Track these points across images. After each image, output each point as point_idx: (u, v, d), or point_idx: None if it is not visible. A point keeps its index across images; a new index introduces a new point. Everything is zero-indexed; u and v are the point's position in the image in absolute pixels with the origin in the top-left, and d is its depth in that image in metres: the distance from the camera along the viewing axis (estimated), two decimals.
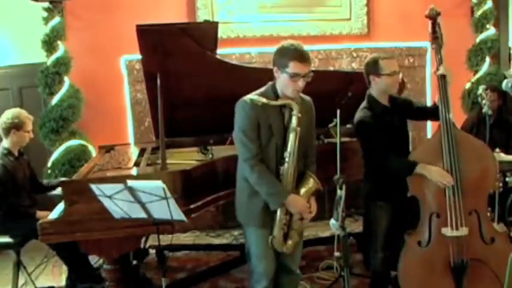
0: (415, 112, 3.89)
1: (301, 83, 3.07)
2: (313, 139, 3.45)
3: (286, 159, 3.15)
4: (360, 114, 3.79)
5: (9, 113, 4.47)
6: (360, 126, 3.77)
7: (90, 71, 5.84)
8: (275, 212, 3.20)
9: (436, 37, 3.69)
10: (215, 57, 4.08)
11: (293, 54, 3.05)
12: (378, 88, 3.76)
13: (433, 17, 3.71)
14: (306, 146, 3.33)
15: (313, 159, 3.41)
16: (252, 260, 3.38)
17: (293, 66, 3.04)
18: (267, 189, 3.16)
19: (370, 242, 4.09)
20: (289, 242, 3.26)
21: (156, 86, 3.85)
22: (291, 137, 3.14)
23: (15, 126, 4.41)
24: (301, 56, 3.06)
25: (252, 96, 3.12)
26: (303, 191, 3.22)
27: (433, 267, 3.61)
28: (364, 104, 3.84)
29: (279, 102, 3.13)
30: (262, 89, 3.22)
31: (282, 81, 3.12)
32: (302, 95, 3.29)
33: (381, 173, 3.77)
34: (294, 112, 3.11)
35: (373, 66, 3.74)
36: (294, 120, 3.12)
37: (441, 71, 3.62)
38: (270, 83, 3.22)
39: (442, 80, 3.62)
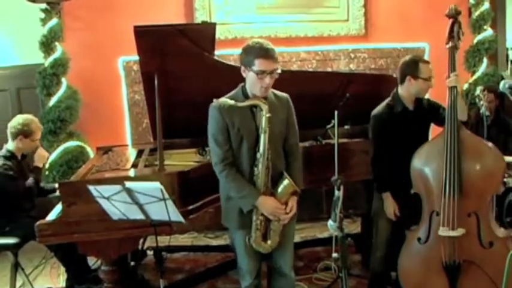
0: (438, 117, 3.84)
1: (268, 80, 3.06)
2: (294, 137, 3.39)
3: (259, 160, 3.14)
4: (378, 108, 3.85)
5: (21, 119, 4.46)
6: (372, 120, 3.84)
7: (87, 72, 5.83)
8: (252, 212, 3.20)
9: (452, 36, 3.67)
10: (213, 58, 4.07)
11: (258, 51, 3.04)
12: (410, 90, 3.79)
13: (453, 16, 3.69)
14: (286, 144, 3.32)
15: (295, 157, 3.37)
16: (238, 259, 3.41)
17: (259, 64, 3.03)
18: (236, 192, 3.18)
19: (368, 243, 4.11)
20: (269, 242, 3.25)
21: (154, 87, 3.85)
22: (262, 137, 3.11)
23: (24, 133, 4.41)
24: (267, 53, 3.05)
25: (220, 99, 3.13)
26: (278, 191, 3.19)
27: (429, 265, 3.62)
28: (388, 99, 3.88)
29: (246, 103, 3.12)
30: (232, 92, 3.23)
31: (250, 80, 3.12)
32: (277, 92, 3.29)
33: (387, 167, 3.82)
34: (263, 112, 3.09)
35: (413, 68, 3.75)
36: (264, 121, 3.10)
37: (452, 83, 3.60)
38: (241, 84, 3.22)
39: (452, 90, 3.60)
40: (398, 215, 3.74)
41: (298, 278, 4.51)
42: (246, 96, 3.18)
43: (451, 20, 3.67)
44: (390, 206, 3.79)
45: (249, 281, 3.38)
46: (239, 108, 3.11)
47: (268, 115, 3.10)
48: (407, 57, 3.85)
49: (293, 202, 3.22)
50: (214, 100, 3.15)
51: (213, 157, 3.22)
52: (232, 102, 3.09)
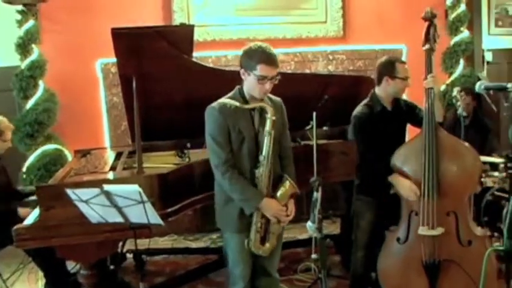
0: (415, 118, 3.91)
1: (268, 86, 3.08)
2: (287, 140, 3.44)
3: (262, 163, 3.15)
4: (358, 109, 3.89)
5: None
6: (354, 121, 3.86)
7: (65, 74, 5.78)
8: (252, 215, 3.20)
9: (428, 39, 3.71)
10: (191, 60, 4.07)
11: (260, 56, 3.05)
12: (388, 90, 3.83)
13: (429, 18, 3.73)
14: (280, 147, 3.34)
15: (290, 160, 3.41)
16: (230, 264, 3.40)
17: (261, 69, 3.04)
18: (239, 195, 3.17)
19: (348, 244, 4.13)
20: (267, 245, 3.27)
21: (132, 89, 3.83)
22: (266, 140, 3.13)
23: None
24: (269, 59, 3.06)
25: (223, 100, 3.13)
26: (279, 194, 3.22)
27: (409, 264, 3.66)
28: (366, 100, 3.91)
29: (251, 105, 3.14)
30: (230, 94, 3.22)
31: (249, 83, 3.13)
32: (272, 96, 3.31)
33: (368, 169, 3.84)
34: (269, 115, 3.11)
35: (390, 68, 3.80)
36: (269, 123, 3.12)
37: (429, 84, 3.64)
38: (238, 86, 3.22)
39: (429, 91, 3.65)
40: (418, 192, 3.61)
41: (279, 279, 4.52)
42: (244, 98, 3.18)
43: (427, 23, 3.72)
44: (405, 185, 3.65)
45: (242, 285, 3.37)
46: (240, 110, 3.12)
47: (273, 118, 3.12)
48: (383, 58, 3.89)
49: (292, 205, 3.26)
50: (220, 100, 3.14)
51: (214, 159, 3.20)
52: (237, 103, 3.09)
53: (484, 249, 3.43)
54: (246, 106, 3.12)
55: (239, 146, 3.19)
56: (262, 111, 3.18)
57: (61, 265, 4.50)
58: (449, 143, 3.65)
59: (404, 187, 3.62)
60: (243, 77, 3.15)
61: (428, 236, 3.57)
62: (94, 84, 5.99)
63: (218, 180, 3.26)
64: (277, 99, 3.35)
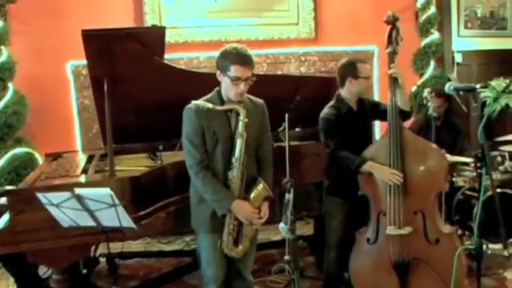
0: (380, 113, 3.95)
1: (243, 87, 3.09)
2: (267, 143, 3.44)
3: (234, 165, 3.15)
4: (324, 111, 3.91)
5: None
6: (321, 122, 3.89)
7: (35, 76, 5.71)
8: (225, 217, 3.20)
9: (391, 42, 3.77)
10: (163, 62, 4.06)
11: (235, 57, 3.06)
12: (352, 90, 3.87)
13: (391, 22, 3.78)
14: (259, 149, 3.35)
15: (268, 163, 3.41)
16: (202, 265, 3.40)
17: (235, 70, 3.05)
18: (211, 195, 3.17)
19: (322, 245, 4.15)
20: (240, 247, 3.27)
21: (103, 91, 3.80)
22: (238, 142, 3.14)
23: None
24: (243, 60, 3.07)
25: (197, 102, 3.13)
26: (252, 196, 3.22)
27: (379, 264, 3.70)
28: (331, 102, 3.94)
29: (225, 107, 3.15)
30: (208, 95, 3.23)
31: (225, 85, 3.14)
32: (253, 98, 3.32)
33: (338, 170, 3.85)
34: (241, 117, 3.12)
35: (352, 69, 3.83)
36: (241, 125, 3.12)
37: (392, 70, 3.70)
38: (217, 88, 3.23)
39: (393, 81, 3.69)
40: (400, 175, 3.62)
41: (253, 281, 4.52)
42: (221, 100, 3.19)
43: (389, 26, 3.77)
44: (385, 169, 3.66)
45: (214, 287, 3.36)
46: (216, 112, 3.13)
47: (245, 120, 3.12)
48: (343, 60, 3.95)
49: (266, 207, 3.26)
50: (193, 102, 3.13)
51: (189, 159, 3.21)
52: (210, 105, 3.10)
53: (452, 247, 3.49)
54: (219, 108, 3.12)
55: (213, 148, 3.19)
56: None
57: (33, 270, 4.44)
58: (415, 144, 3.71)
59: (384, 171, 3.64)
60: (219, 78, 3.16)
61: (397, 236, 3.61)
62: (65, 86, 5.93)
63: (192, 180, 3.26)
64: (259, 101, 3.36)
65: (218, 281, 3.35)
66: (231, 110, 3.17)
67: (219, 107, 3.12)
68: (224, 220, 3.22)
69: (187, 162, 3.22)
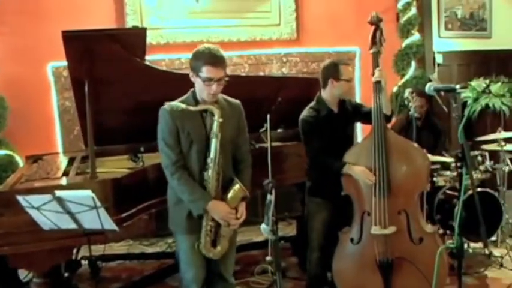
0: (362, 116, 3.98)
1: (215, 87, 3.08)
2: (245, 143, 3.44)
3: (210, 165, 3.15)
4: (304, 112, 3.92)
5: None
6: (301, 124, 3.89)
7: (15, 78, 5.67)
8: (202, 218, 3.19)
9: (374, 42, 3.79)
10: (144, 64, 4.04)
11: (207, 58, 3.05)
12: (333, 92, 3.88)
13: (375, 22, 3.81)
14: (237, 150, 3.34)
15: (246, 164, 3.40)
16: (181, 267, 3.38)
17: (206, 71, 3.04)
18: (187, 196, 3.16)
19: (304, 245, 4.16)
20: (218, 248, 3.25)
21: (84, 93, 3.77)
22: (213, 142, 3.13)
23: None
24: (215, 61, 3.06)
25: (172, 103, 3.12)
26: (229, 197, 3.20)
27: (363, 264, 3.72)
28: (312, 104, 3.95)
29: (199, 107, 3.13)
30: (184, 96, 3.23)
31: (198, 86, 3.13)
32: (230, 98, 3.31)
33: (319, 171, 3.86)
34: (215, 117, 3.11)
35: (334, 70, 3.83)
36: (215, 126, 3.12)
37: (376, 76, 3.73)
38: (192, 89, 3.22)
39: (377, 85, 3.72)
40: (373, 179, 3.65)
41: (236, 282, 4.51)
42: (196, 101, 3.18)
43: (373, 27, 3.80)
44: (359, 171, 3.70)
45: None
46: (190, 113, 3.12)
47: (220, 120, 3.11)
48: (326, 62, 3.97)
49: (243, 208, 3.24)
50: (166, 103, 3.13)
51: (164, 159, 3.20)
52: (184, 106, 3.09)
53: (435, 246, 3.52)
54: (192, 108, 3.11)
55: (188, 148, 3.18)
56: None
57: (13, 274, 4.40)
58: (398, 144, 3.74)
59: (358, 173, 3.67)
60: (192, 79, 3.15)
61: (381, 235, 3.63)
62: (45, 88, 5.90)
63: (168, 181, 3.25)
64: (236, 101, 3.35)
65: (198, 282, 3.34)
66: (205, 111, 3.16)
67: (192, 108, 3.11)
68: (201, 221, 3.21)
69: (163, 162, 3.22)
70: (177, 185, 3.18)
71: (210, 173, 3.15)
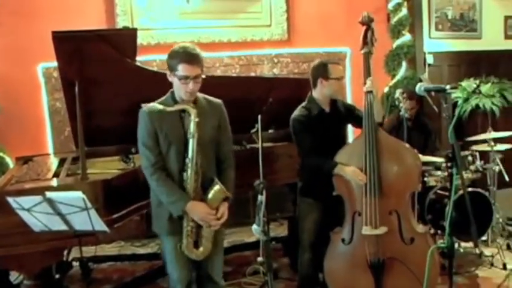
0: (354, 118, 3.97)
1: (191, 85, 3.06)
2: (228, 143, 3.41)
3: (188, 166, 3.13)
4: (296, 112, 3.92)
5: None
6: (292, 123, 3.90)
7: (5, 79, 5.64)
8: (182, 219, 3.18)
9: (366, 43, 3.80)
10: (134, 64, 4.03)
11: (182, 56, 3.05)
12: (324, 92, 3.87)
13: (366, 23, 3.81)
14: (219, 150, 3.33)
15: (229, 164, 3.37)
16: (168, 267, 3.38)
17: (182, 69, 3.04)
18: (166, 197, 3.16)
19: (296, 246, 4.16)
20: (201, 249, 3.23)
21: (75, 94, 3.76)
22: (190, 142, 3.11)
23: None
24: (190, 58, 3.05)
25: (150, 104, 3.11)
26: (209, 197, 3.17)
27: (355, 264, 3.72)
28: (304, 103, 3.95)
29: (175, 107, 3.12)
30: (163, 97, 3.22)
31: (175, 85, 3.13)
32: (211, 98, 3.30)
33: (311, 171, 3.87)
34: (192, 117, 3.10)
35: (323, 70, 3.84)
36: (192, 126, 3.10)
37: (367, 86, 3.72)
38: (171, 89, 3.21)
39: (368, 94, 3.72)
40: (364, 179, 3.66)
41: (227, 283, 4.51)
42: (175, 101, 3.16)
43: (364, 27, 3.81)
44: (350, 171, 3.70)
45: None
46: (168, 113, 3.10)
47: (196, 120, 3.09)
48: (316, 61, 3.99)
49: (224, 208, 3.20)
50: (143, 105, 3.12)
51: (143, 161, 3.20)
52: (161, 107, 3.08)
53: (426, 246, 3.52)
54: (169, 109, 3.09)
55: (167, 149, 3.17)
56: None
57: (3, 276, 4.38)
58: (389, 144, 3.74)
59: (349, 174, 3.68)
60: (169, 78, 3.14)
61: (372, 236, 3.63)
62: (36, 89, 5.87)
63: (148, 182, 3.24)
64: (217, 101, 3.33)
65: (184, 282, 3.34)
66: (184, 111, 3.14)
67: (169, 108, 3.10)
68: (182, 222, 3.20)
69: (142, 164, 3.22)
70: (156, 187, 3.18)
71: (189, 174, 3.14)
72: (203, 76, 3.12)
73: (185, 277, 3.34)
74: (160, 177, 3.15)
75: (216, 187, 3.17)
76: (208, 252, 3.26)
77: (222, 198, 3.19)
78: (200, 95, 3.23)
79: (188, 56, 3.05)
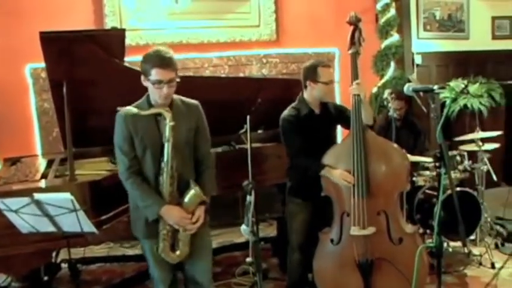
0: (344, 120, 3.93)
1: (166, 90, 3.03)
2: (206, 145, 3.36)
3: (163, 169, 3.10)
4: (285, 112, 3.90)
5: None
6: (281, 123, 3.88)
7: None
8: (158, 222, 3.16)
9: (353, 43, 3.79)
10: (123, 65, 4.02)
11: (155, 61, 3.01)
12: (313, 94, 3.86)
13: (354, 23, 3.81)
14: (197, 152, 3.30)
15: (207, 166, 3.33)
16: (149, 268, 3.38)
17: (155, 73, 3.00)
18: (141, 201, 3.14)
19: (285, 246, 4.17)
20: (177, 252, 3.20)
21: (63, 94, 3.75)
22: (166, 146, 3.08)
23: None
24: (163, 63, 3.02)
25: (125, 108, 3.08)
26: (185, 201, 3.14)
27: (343, 264, 3.72)
28: (294, 103, 3.94)
29: (150, 111, 3.08)
30: (139, 100, 3.19)
31: (149, 89, 3.10)
32: (186, 99, 3.27)
33: (299, 171, 3.87)
34: (167, 121, 3.06)
35: (312, 72, 3.82)
36: (167, 130, 3.06)
37: (355, 91, 3.70)
38: (147, 93, 3.17)
39: (356, 97, 3.71)
40: (352, 181, 3.65)
41: (217, 284, 4.51)
42: (150, 105, 3.13)
43: (352, 27, 3.80)
44: (336, 174, 3.69)
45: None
46: (143, 117, 3.07)
47: (171, 123, 3.06)
48: (307, 62, 3.95)
49: (200, 212, 3.17)
50: (119, 108, 3.09)
51: (119, 165, 3.18)
52: (136, 110, 3.04)
53: (415, 246, 3.53)
54: (144, 112, 3.06)
55: (143, 153, 3.14)
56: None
57: None
58: (377, 144, 3.74)
59: (336, 177, 3.67)
60: (144, 83, 3.11)
61: (361, 236, 3.63)
62: (23, 89, 5.84)
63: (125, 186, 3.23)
64: (193, 102, 3.30)
65: (166, 282, 3.34)
66: (160, 114, 3.11)
67: (144, 112, 3.07)
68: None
69: (118, 167, 3.20)
70: (131, 191, 3.17)
71: (164, 178, 3.11)
72: (177, 80, 3.09)
73: (166, 277, 3.34)
74: (135, 182, 3.13)
75: (192, 191, 3.14)
76: (185, 255, 3.23)
77: (199, 202, 3.17)
78: (176, 97, 3.20)
79: (161, 60, 3.02)
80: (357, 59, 3.78)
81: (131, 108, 3.06)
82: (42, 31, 3.63)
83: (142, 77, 3.09)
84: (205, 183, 3.24)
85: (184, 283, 3.47)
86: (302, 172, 3.86)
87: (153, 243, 3.19)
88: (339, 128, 4.21)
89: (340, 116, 3.95)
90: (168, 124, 3.05)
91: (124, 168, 3.14)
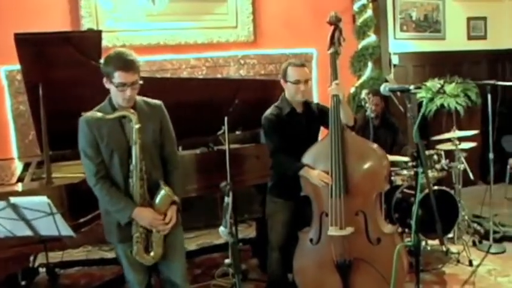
0: (327, 121, 3.90)
1: (129, 92, 3.01)
2: (171, 144, 3.34)
3: (132, 172, 3.09)
4: (267, 110, 3.91)
5: None
6: (263, 122, 3.88)
7: None
8: (130, 225, 3.14)
9: (333, 43, 3.80)
10: (99, 67, 3.98)
11: (117, 64, 2.99)
12: (287, 93, 3.86)
13: (334, 22, 3.81)
14: (163, 152, 3.28)
15: (175, 166, 3.33)
16: (125, 272, 3.36)
17: (118, 76, 2.98)
18: (111, 206, 3.12)
19: (265, 247, 4.16)
20: (152, 254, 3.19)
21: (39, 97, 3.71)
22: (134, 149, 3.06)
23: None
24: (125, 65, 3.00)
25: (88, 112, 3.05)
26: (156, 202, 3.14)
27: (322, 264, 3.73)
28: (277, 102, 3.94)
29: (115, 115, 3.05)
30: (101, 104, 3.15)
31: (112, 92, 3.07)
32: (150, 100, 3.26)
33: (279, 170, 3.88)
34: (133, 123, 3.04)
35: (283, 72, 3.84)
36: (134, 132, 3.04)
37: (334, 91, 3.70)
38: (109, 95, 3.14)
39: (335, 98, 3.71)
40: (329, 182, 3.64)
41: (196, 286, 4.50)
42: (113, 108, 3.10)
43: (332, 27, 3.81)
44: (314, 174, 3.69)
45: None
46: (107, 121, 3.04)
47: (137, 126, 3.04)
48: (285, 62, 3.95)
49: (172, 212, 3.17)
50: (83, 113, 3.06)
51: (86, 171, 3.14)
52: (100, 114, 3.02)
53: (393, 246, 3.53)
54: (109, 116, 3.03)
55: (109, 157, 3.11)
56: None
57: None
58: (356, 144, 3.74)
59: (313, 177, 3.67)
60: (106, 85, 3.08)
61: (339, 236, 3.64)
62: None
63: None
64: (157, 102, 3.28)
65: (142, 285, 3.33)
66: (124, 117, 3.08)
67: (109, 116, 3.04)
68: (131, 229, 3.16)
69: (85, 173, 3.17)
70: (100, 196, 3.14)
71: (134, 181, 3.09)
72: (140, 82, 3.07)
73: (142, 280, 3.33)
74: (103, 187, 3.10)
75: (162, 192, 3.13)
76: (159, 256, 3.22)
77: (170, 202, 3.16)
78: (139, 98, 3.18)
79: (124, 63, 3.00)
80: (336, 59, 3.79)
81: (95, 113, 3.03)
82: (17, 32, 3.60)
83: (104, 79, 3.06)
84: (174, 184, 3.23)
85: (160, 285, 3.45)
86: (282, 171, 3.87)
87: (127, 247, 3.17)
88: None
89: (323, 116, 3.94)
90: (134, 127, 3.03)
91: (91, 174, 3.10)
